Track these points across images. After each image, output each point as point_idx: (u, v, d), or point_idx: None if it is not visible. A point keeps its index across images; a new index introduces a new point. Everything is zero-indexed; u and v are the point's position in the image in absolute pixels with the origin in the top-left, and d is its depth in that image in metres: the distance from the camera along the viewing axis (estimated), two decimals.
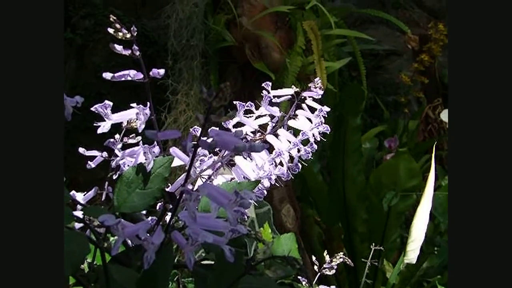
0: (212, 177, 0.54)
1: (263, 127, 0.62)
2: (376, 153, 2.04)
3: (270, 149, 0.58)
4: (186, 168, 0.50)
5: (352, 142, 1.53)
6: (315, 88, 0.65)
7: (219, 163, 0.55)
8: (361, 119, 1.57)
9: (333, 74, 1.63)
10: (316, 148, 0.61)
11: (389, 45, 2.61)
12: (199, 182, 0.53)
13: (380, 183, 1.53)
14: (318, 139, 0.61)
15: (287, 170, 0.59)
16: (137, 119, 0.48)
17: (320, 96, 0.65)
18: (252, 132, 0.60)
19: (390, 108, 2.48)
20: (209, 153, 0.54)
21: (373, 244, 1.08)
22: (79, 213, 0.46)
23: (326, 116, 0.63)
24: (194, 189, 0.52)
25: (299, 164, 0.60)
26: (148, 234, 0.38)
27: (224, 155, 0.55)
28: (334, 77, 1.65)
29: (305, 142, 0.60)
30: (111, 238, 0.46)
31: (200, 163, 0.54)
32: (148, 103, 0.47)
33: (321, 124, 0.61)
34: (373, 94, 2.48)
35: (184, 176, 0.54)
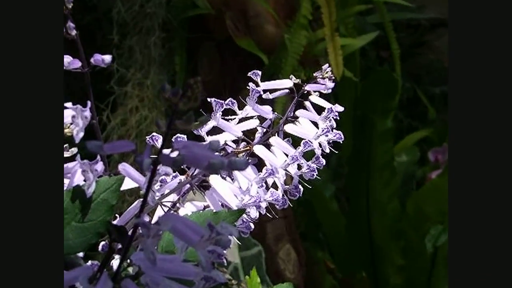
0: (178, 204, 0.56)
1: (249, 134, 0.64)
2: (417, 170, 2.07)
3: (260, 165, 0.61)
4: (142, 192, 0.52)
5: (381, 154, 1.56)
6: (324, 77, 0.68)
7: (188, 186, 0.57)
8: (393, 120, 1.60)
9: (352, 56, 1.66)
10: (324, 163, 0.63)
11: (435, 13, 2.65)
12: (159, 212, 0.55)
13: (422, 213, 1.56)
14: (328, 150, 0.63)
15: (283, 195, 0.61)
16: (72, 124, 0.50)
17: (330, 90, 0.68)
18: (234, 141, 0.63)
19: (437, 104, 2.52)
20: (174, 172, 0.56)
21: None
22: None
23: (340, 117, 0.66)
24: (153, 221, 0.55)
25: (301, 187, 0.62)
26: (89, 285, 0.40)
27: (195, 174, 0.58)
28: (354, 60, 1.68)
29: (309, 155, 0.62)
30: None
31: (161, 186, 0.56)
32: (89, 103, 0.50)
33: (332, 130, 0.63)
34: (411, 83, 2.52)
35: (139, 203, 0.56)
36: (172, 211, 0.55)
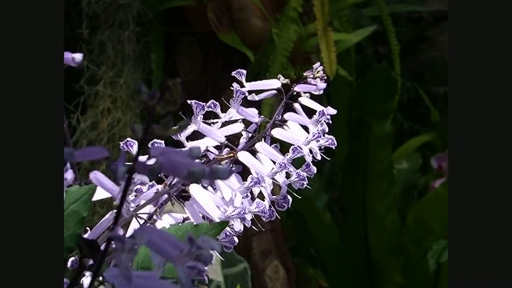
0: (155, 217, 0.56)
1: (233, 139, 0.65)
2: (418, 178, 2.08)
3: (245, 173, 0.62)
4: (115, 203, 0.53)
5: (379, 161, 1.57)
6: (316, 76, 0.68)
7: (166, 196, 0.58)
8: (392, 123, 1.61)
9: (347, 53, 1.67)
10: (315, 171, 0.63)
11: (438, 5, 2.67)
12: (134, 225, 0.56)
13: (423, 226, 1.57)
14: (319, 157, 0.64)
15: (270, 206, 0.61)
16: None
17: (322, 91, 0.69)
18: (216, 147, 0.63)
19: (441, 106, 2.53)
20: (150, 181, 0.57)
21: None
22: None
23: (333, 121, 0.66)
24: (128, 235, 0.56)
25: (289, 197, 0.63)
26: None
27: (173, 183, 0.58)
28: (349, 58, 1.69)
29: (299, 162, 0.63)
30: None
31: (137, 196, 0.57)
32: None
33: (324, 135, 0.64)
34: (412, 83, 2.53)
35: (112, 215, 0.57)
36: (148, 224, 0.55)
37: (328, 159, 0.66)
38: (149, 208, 0.57)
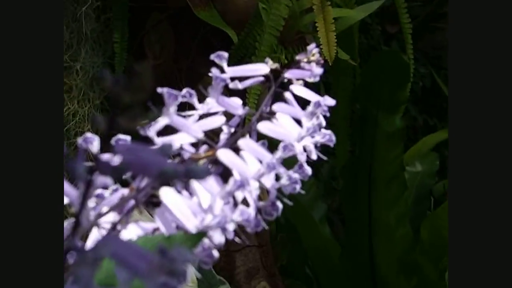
0: (120, 226, 0.57)
1: (212, 135, 0.66)
2: (435, 183, 2.08)
3: (226, 175, 0.62)
4: (73, 210, 0.53)
5: (387, 163, 1.58)
6: (311, 61, 0.70)
7: (132, 202, 0.59)
8: (404, 117, 1.62)
9: (350, 33, 1.68)
10: (310, 173, 0.64)
11: None
12: (95, 236, 0.56)
13: (440, 241, 1.58)
14: (315, 157, 0.65)
15: (256, 214, 0.62)
16: None
17: (319, 77, 0.70)
18: (192, 144, 0.64)
19: None
20: (115, 183, 0.58)
21: None
22: None
23: (333, 114, 0.67)
24: (89, 246, 0.56)
25: (279, 204, 0.63)
26: None
27: (141, 187, 0.59)
28: (351, 38, 1.70)
29: (291, 162, 0.64)
30: None
31: (98, 202, 0.58)
32: None
33: (320, 130, 0.65)
34: (428, 68, 2.53)
35: (70, 224, 0.57)
36: (113, 234, 0.56)
37: (326, 159, 0.67)
38: (113, 216, 0.57)
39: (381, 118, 1.56)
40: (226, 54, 0.67)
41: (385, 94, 1.57)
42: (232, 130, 0.66)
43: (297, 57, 0.69)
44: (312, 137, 0.64)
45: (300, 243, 1.73)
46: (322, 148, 0.65)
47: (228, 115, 0.67)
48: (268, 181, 0.62)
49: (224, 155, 0.63)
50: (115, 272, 0.43)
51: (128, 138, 0.59)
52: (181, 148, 0.63)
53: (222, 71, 0.66)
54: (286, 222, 1.67)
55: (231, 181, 0.59)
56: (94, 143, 0.57)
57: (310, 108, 0.65)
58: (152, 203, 0.59)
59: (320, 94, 0.68)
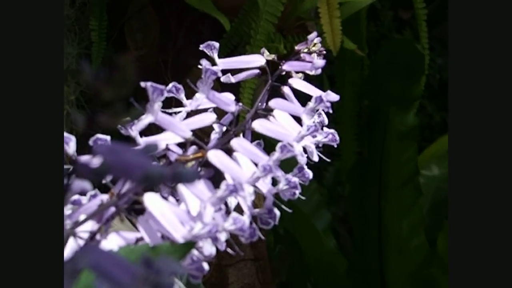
0: (99, 236, 0.57)
1: (202, 134, 0.66)
2: None
3: (217, 179, 0.62)
4: None
5: (400, 166, 1.58)
6: (312, 51, 0.70)
7: (112, 209, 0.59)
8: (418, 114, 1.62)
9: (357, 19, 1.68)
10: (311, 177, 0.64)
11: None
12: (73, 245, 0.57)
13: None
14: (316, 159, 0.66)
15: (251, 223, 0.62)
16: None
17: (321, 70, 0.70)
18: (179, 145, 0.64)
19: None
20: (93, 188, 0.58)
21: None
22: None
23: (337, 110, 0.68)
24: (66, 257, 0.57)
25: (277, 212, 0.63)
26: None
27: (123, 192, 0.59)
28: (359, 26, 1.70)
29: (290, 165, 0.65)
30: None
31: (75, 208, 0.58)
32: None
33: (322, 128, 0.65)
34: (445, 59, 2.52)
35: None
36: (91, 244, 0.56)
37: (330, 161, 0.67)
38: (91, 225, 0.57)
39: (393, 115, 1.56)
40: (217, 44, 0.67)
41: (397, 89, 1.56)
42: (224, 129, 0.66)
43: (297, 47, 0.69)
44: (314, 136, 0.64)
45: (302, 257, 1.72)
46: (325, 149, 0.66)
47: (220, 112, 0.67)
48: (264, 186, 0.63)
49: (215, 156, 0.63)
50: (94, 285, 0.44)
51: (108, 138, 0.59)
52: (167, 149, 0.63)
53: (213, 63, 0.66)
54: (285, 233, 1.66)
55: (223, 185, 0.58)
56: (70, 144, 0.57)
57: (311, 104, 0.65)
58: (135, 210, 0.58)
59: (323, 88, 0.68)
